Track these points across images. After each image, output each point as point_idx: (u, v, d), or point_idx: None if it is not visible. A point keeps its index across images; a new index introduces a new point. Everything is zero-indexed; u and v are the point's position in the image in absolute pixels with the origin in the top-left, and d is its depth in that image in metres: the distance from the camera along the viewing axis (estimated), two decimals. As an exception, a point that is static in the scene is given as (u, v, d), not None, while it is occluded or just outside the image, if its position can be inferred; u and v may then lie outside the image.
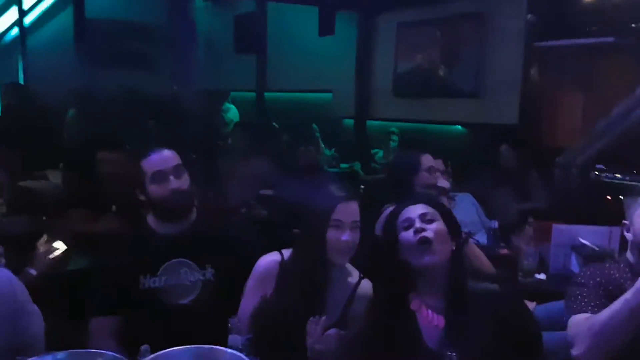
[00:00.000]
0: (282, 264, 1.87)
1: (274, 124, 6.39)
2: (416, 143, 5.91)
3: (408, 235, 1.62)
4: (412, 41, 6.27)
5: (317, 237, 1.79)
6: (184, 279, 2.05)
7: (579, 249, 2.79)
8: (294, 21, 7.35)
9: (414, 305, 1.65)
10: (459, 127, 5.96)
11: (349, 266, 1.91)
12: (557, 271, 2.83)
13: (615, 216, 2.92)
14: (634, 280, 1.80)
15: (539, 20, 4.80)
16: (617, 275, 1.87)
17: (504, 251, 3.01)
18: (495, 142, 5.04)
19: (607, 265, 1.95)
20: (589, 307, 1.75)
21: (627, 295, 1.65)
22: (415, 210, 1.66)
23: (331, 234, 1.79)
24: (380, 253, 1.74)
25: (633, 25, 4.27)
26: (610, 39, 4.37)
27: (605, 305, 1.73)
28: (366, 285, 1.87)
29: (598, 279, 1.84)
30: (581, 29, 4.51)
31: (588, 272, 1.89)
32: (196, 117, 5.66)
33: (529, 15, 4.86)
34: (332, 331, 1.67)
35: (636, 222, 1.83)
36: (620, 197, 3.91)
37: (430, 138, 6.00)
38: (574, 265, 2.78)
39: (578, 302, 1.78)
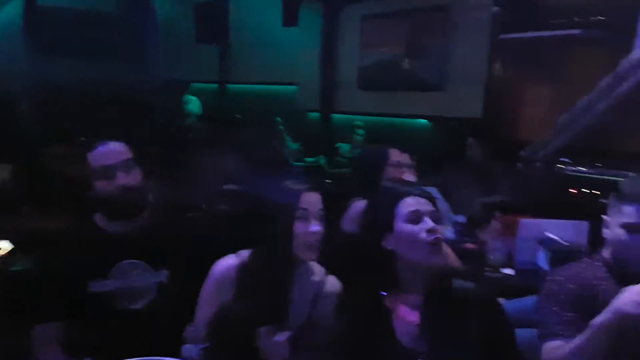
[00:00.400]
0: (241, 266, 1.75)
1: (237, 116, 6.26)
2: (382, 137, 5.89)
3: (416, 230, 1.55)
4: (377, 33, 6.22)
5: (284, 230, 1.69)
6: (137, 282, 1.91)
7: (546, 243, 2.76)
8: (258, 11, 7.20)
9: (389, 302, 1.58)
10: (425, 120, 5.93)
11: (313, 263, 1.82)
12: (524, 266, 2.80)
13: (581, 210, 2.92)
14: (609, 280, 1.77)
15: (504, 12, 4.79)
16: (592, 275, 1.85)
17: (471, 246, 2.96)
18: (460, 136, 5.03)
19: (581, 264, 1.91)
20: (559, 328, 1.75)
21: (596, 320, 1.65)
22: (423, 205, 1.59)
23: (298, 226, 1.70)
24: (360, 246, 1.66)
25: (597, 17, 4.29)
26: (575, 32, 4.38)
27: (576, 320, 1.73)
28: (332, 282, 1.79)
29: (570, 286, 1.81)
30: (546, 22, 4.51)
31: (559, 278, 1.85)
32: (155, 109, 5.49)
33: (494, 8, 4.85)
34: (283, 336, 1.57)
35: (616, 233, 1.80)
36: (584, 190, 3.96)
37: (396, 132, 5.96)
38: (542, 260, 2.75)
39: (548, 326, 1.78)
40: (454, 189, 4.10)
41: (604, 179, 3.89)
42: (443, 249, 1.56)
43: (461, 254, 2.82)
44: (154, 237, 1.95)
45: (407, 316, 1.55)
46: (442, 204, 3.57)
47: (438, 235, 1.54)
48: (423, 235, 1.54)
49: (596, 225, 1.96)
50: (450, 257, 2.58)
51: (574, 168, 4.08)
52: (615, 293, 1.80)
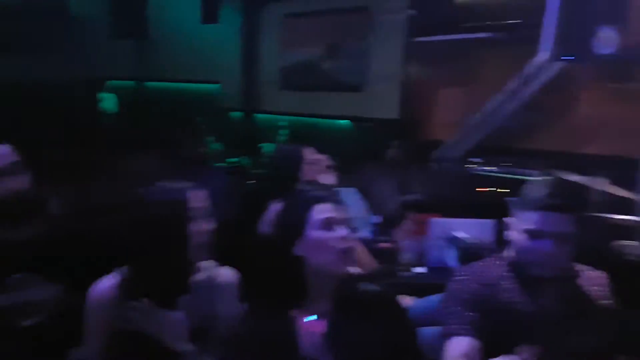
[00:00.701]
0: (123, 285, 1.65)
1: (156, 115, 6.07)
2: (305, 137, 5.89)
3: (328, 237, 1.53)
4: (298, 33, 6.20)
5: (178, 233, 1.63)
6: (30, 296, 1.79)
7: (455, 241, 2.85)
8: (178, 6, 7.01)
9: (295, 311, 1.56)
10: (347, 121, 5.99)
11: (205, 262, 1.77)
12: (435, 264, 2.87)
13: (490, 208, 3.03)
14: (510, 280, 1.83)
15: (419, 15, 4.90)
16: (494, 274, 1.90)
17: (385, 245, 3.01)
18: (379, 137, 5.12)
19: (484, 263, 1.97)
20: (460, 327, 1.79)
21: None
22: (336, 212, 1.57)
23: (192, 226, 1.64)
24: (270, 250, 1.64)
25: (506, 22, 4.46)
26: (485, 35, 4.55)
27: (476, 319, 1.79)
28: (226, 273, 1.75)
29: (473, 285, 1.86)
30: (459, 25, 4.66)
31: (462, 277, 1.90)
32: (66, 107, 5.20)
33: (410, 11, 4.96)
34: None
35: (518, 237, 1.85)
36: (495, 189, 4.13)
37: (319, 132, 5.98)
38: (451, 258, 2.83)
39: (450, 325, 1.82)
40: (374, 189, 4.17)
41: (512, 178, 4.07)
42: (354, 257, 1.56)
43: (376, 253, 2.87)
44: (50, 248, 1.84)
45: (312, 326, 1.53)
46: (360, 204, 3.61)
47: (350, 244, 1.54)
48: (335, 243, 1.52)
49: (504, 224, 2.02)
50: (364, 259, 2.62)
51: (484, 168, 4.23)
52: (515, 293, 1.87)
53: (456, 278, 1.91)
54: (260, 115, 6.73)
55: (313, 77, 6.08)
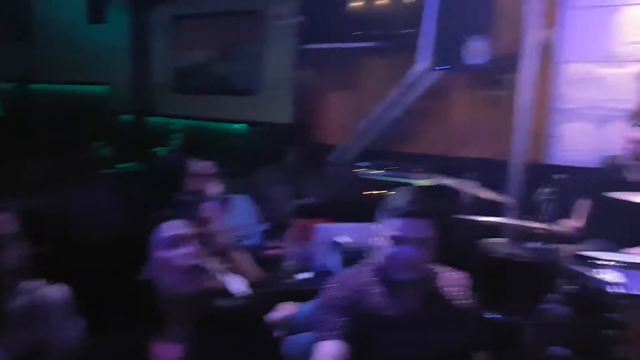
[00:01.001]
0: None
1: (41, 119, 5.73)
2: (201, 141, 5.82)
3: (172, 256, 1.50)
4: (189, 35, 6.11)
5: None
6: None
7: (338, 246, 2.94)
8: (63, 6, 6.66)
9: (150, 339, 1.52)
10: (243, 125, 5.97)
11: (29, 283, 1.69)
12: (320, 269, 2.95)
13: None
14: (376, 285, 1.93)
15: (309, 22, 5.00)
16: (363, 279, 2.00)
17: (273, 252, 3.06)
18: (274, 141, 5.16)
19: (356, 269, 2.07)
20: (331, 333, 1.86)
21: None
22: (182, 229, 1.54)
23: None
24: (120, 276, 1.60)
25: (391, 31, 4.66)
26: (370, 44, 4.73)
27: (346, 325, 1.86)
28: (53, 292, 1.68)
29: (344, 292, 1.94)
30: (345, 34, 4.81)
31: (335, 284, 1.98)
32: None
33: (300, 17, 5.04)
34: None
35: (383, 243, 1.95)
36: (382, 192, 4.30)
37: (215, 136, 5.92)
38: (334, 263, 2.92)
39: (322, 330, 1.88)
40: (268, 194, 4.21)
41: (398, 182, 4.26)
42: (202, 275, 1.56)
43: (263, 261, 2.91)
44: None
45: (167, 352, 1.52)
46: (250, 211, 3.64)
47: (195, 262, 1.53)
48: (181, 261, 1.51)
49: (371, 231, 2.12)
50: (249, 268, 2.65)
51: (371, 172, 4.40)
52: (379, 298, 1.98)
53: (328, 285, 2.00)
54: (153, 119, 6.55)
55: (207, 80, 6.02)
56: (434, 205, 2.09)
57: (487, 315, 2.94)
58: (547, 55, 4.00)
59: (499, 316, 3.01)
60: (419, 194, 2.05)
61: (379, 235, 2.02)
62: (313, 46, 4.95)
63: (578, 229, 3.32)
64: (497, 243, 3.32)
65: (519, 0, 3.93)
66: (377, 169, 4.39)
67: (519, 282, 3.05)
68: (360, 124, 4.72)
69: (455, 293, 2.04)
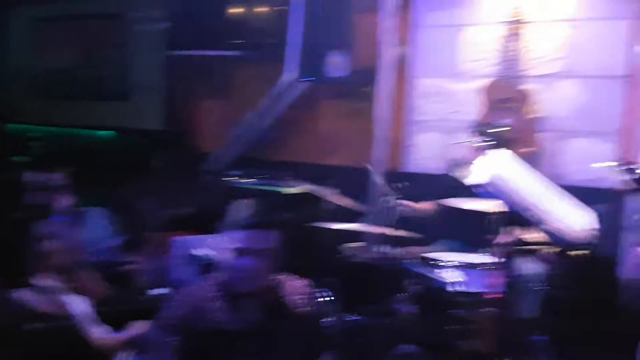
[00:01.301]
0: None
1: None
2: (62, 150, 5.51)
3: None
4: (50, 38, 5.77)
5: None
6: None
7: (195, 259, 2.93)
8: None
9: None
10: (111, 131, 5.74)
11: None
12: (177, 284, 2.91)
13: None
14: (219, 300, 1.94)
15: (180, 29, 4.92)
16: (203, 296, 2.00)
17: (128, 267, 2.98)
18: (144, 149, 5.02)
19: (194, 287, 2.08)
20: (161, 354, 1.86)
21: None
22: None
23: None
24: None
25: (262, 41, 4.71)
26: (242, 53, 4.75)
27: (181, 345, 1.85)
28: None
29: (181, 311, 1.94)
30: (216, 42, 4.79)
31: (171, 303, 1.97)
32: None
33: (170, 23, 4.95)
34: None
35: (225, 256, 1.96)
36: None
37: (78, 144, 5.64)
38: (192, 277, 2.90)
39: (155, 350, 1.89)
40: (133, 205, 4.07)
41: (268, 190, 4.33)
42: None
43: (115, 277, 2.83)
44: None
45: None
46: (104, 225, 3.51)
47: None
48: None
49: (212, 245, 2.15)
50: (94, 286, 2.56)
51: (242, 180, 4.43)
52: (223, 312, 1.99)
53: (166, 304, 1.99)
54: (11, 126, 6.09)
55: (71, 86, 5.72)
56: (279, 215, 2.15)
57: (347, 317, 3.09)
58: (402, 70, 4.27)
59: (357, 318, 3.17)
60: (261, 206, 2.11)
61: (220, 248, 2.04)
62: (184, 52, 4.87)
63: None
64: (353, 248, 3.48)
65: (375, 18, 4.16)
66: (248, 178, 4.42)
67: (371, 285, 3.22)
68: (232, 132, 4.73)
69: (299, 301, 2.10)
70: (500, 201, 2.30)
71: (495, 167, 2.18)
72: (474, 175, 2.27)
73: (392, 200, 3.20)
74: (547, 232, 2.21)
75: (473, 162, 2.46)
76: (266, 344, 1.99)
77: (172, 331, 1.92)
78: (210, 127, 5.09)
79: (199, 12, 4.79)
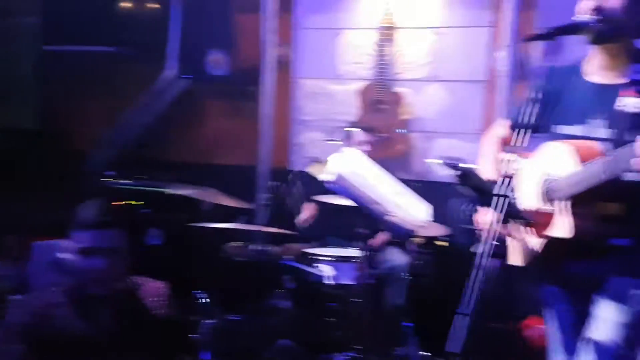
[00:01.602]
0: None
1: None
2: None
3: None
4: None
5: None
6: None
7: (59, 264, 2.79)
8: None
9: None
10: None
11: None
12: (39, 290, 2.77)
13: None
14: (67, 306, 1.86)
15: (55, 24, 4.65)
16: (47, 303, 1.91)
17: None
18: (14, 149, 4.71)
19: (46, 289, 1.98)
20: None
21: None
22: None
23: None
24: None
25: (143, 37, 4.54)
26: (120, 49, 4.57)
27: (26, 353, 1.78)
28: None
29: (24, 318, 1.85)
30: (97, 37, 4.57)
31: (14, 310, 1.88)
32: None
33: (42, 17, 4.67)
34: None
35: (74, 258, 1.91)
36: (130, 202, 4.20)
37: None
38: (57, 282, 2.76)
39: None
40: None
41: (148, 191, 4.20)
42: None
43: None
44: None
45: None
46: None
47: None
48: None
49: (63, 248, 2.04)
50: None
51: (120, 181, 4.26)
52: (72, 318, 1.91)
53: (9, 311, 1.89)
54: None
55: None
56: (121, 216, 2.10)
57: (224, 317, 3.09)
58: (286, 71, 4.33)
59: (234, 317, 3.17)
60: (107, 204, 2.05)
61: (66, 251, 1.97)
62: (61, 48, 4.61)
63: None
64: (233, 247, 3.49)
65: (257, 19, 4.19)
66: (127, 178, 4.28)
67: (249, 283, 3.25)
68: (111, 131, 4.55)
69: (155, 302, 2.07)
70: (348, 196, 2.42)
71: (342, 164, 2.30)
72: (325, 172, 2.36)
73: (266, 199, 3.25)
74: (389, 223, 2.35)
75: (327, 160, 2.57)
76: (120, 349, 1.93)
77: (16, 339, 1.82)
78: (91, 126, 4.85)
79: (77, 6, 4.57)
